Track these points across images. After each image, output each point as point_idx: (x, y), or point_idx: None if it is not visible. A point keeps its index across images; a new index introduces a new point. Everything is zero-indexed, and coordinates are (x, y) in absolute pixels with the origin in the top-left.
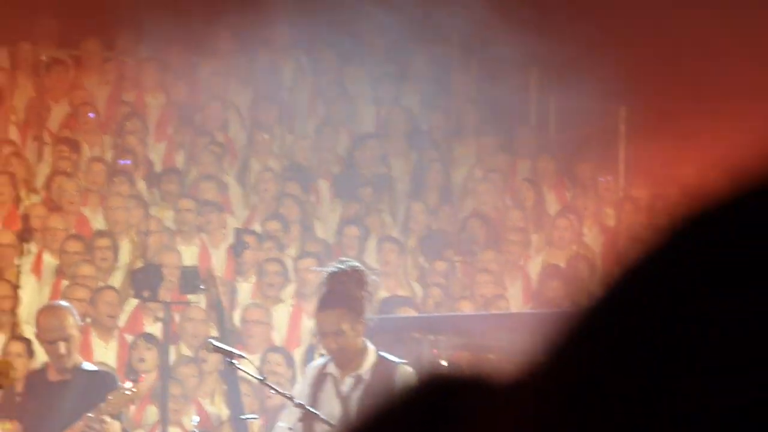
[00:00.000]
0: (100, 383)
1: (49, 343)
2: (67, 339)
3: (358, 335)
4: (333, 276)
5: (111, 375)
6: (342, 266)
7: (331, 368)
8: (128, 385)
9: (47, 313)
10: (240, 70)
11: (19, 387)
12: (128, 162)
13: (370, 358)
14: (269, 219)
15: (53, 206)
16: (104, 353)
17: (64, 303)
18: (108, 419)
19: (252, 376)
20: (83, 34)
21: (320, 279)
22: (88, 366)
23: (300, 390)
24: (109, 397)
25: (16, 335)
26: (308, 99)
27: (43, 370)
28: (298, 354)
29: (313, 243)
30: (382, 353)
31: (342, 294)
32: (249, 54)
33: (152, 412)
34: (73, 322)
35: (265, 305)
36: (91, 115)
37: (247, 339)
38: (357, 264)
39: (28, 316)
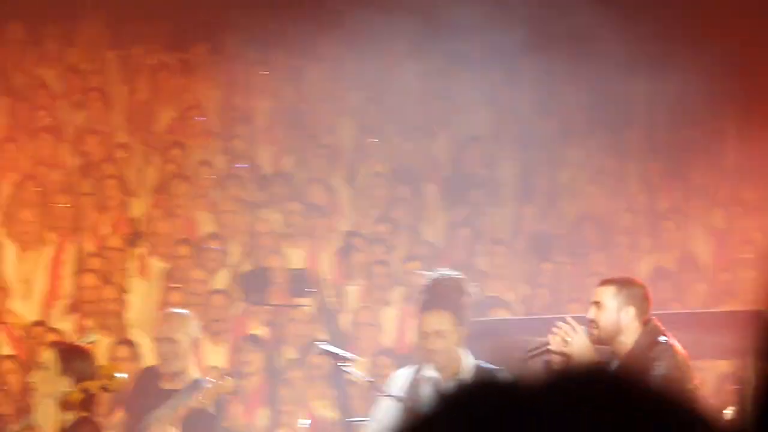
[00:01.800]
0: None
1: (161, 348)
2: (176, 344)
3: (458, 339)
4: (436, 281)
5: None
6: (444, 273)
7: (430, 372)
8: (212, 379)
9: (164, 319)
10: (348, 73)
11: (127, 388)
12: (245, 166)
13: (469, 364)
14: (378, 222)
15: (162, 210)
16: (214, 357)
17: (182, 311)
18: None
19: (361, 378)
20: (192, 39)
21: (424, 282)
22: (202, 382)
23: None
24: (200, 397)
25: (123, 339)
26: (416, 102)
27: (153, 371)
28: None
29: (421, 246)
30: (479, 361)
31: (444, 298)
32: (357, 57)
33: (263, 415)
34: (187, 330)
35: (374, 308)
36: (199, 118)
37: (356, 341)
38: (458, 273)
39: (135, 320)
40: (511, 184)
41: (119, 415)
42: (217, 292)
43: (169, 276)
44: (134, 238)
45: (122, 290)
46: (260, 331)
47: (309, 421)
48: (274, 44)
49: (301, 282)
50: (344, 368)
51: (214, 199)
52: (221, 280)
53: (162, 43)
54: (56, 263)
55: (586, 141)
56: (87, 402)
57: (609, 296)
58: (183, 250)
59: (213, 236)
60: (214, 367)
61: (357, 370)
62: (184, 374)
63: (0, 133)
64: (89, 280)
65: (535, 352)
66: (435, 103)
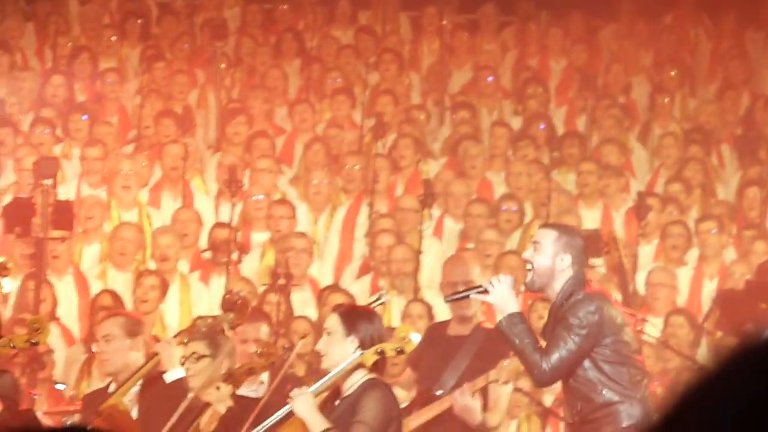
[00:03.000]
0: (497, 342)
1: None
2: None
3: None
4: None
5: None
6: None
7: None
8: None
9: (453, 260)
10: (641, 32)
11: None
12: (543, 127)
13: None
14: (671, 182)
15: (455, 171)
16: None
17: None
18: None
19: (654, 338)
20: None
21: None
22: (488, 325)
23: None
24: (504, 363)
25: (417, 299)
26: (709, 61)
27: (444, 323)
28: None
29: (715, 206)
30: None
31: None
32: (650, 16)
33: None
34: (476, 273)
35: (668, 268)
36: (490, 79)
37: (652, 302)
38: None
39: (429, 280)
40: None
41: (408, 373)
42: (512, 252)
43: (462, 236)
44: (428, 198)
45: (416, 251)
46: None
47: None
48: (567, 4)
49: (595, 242)
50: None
51: (507, 159)
52: (515, 240)
53: (454, 3)
54: (349, 224)
55: None
56: (379, 363)
57: (548, 240)
58: (477, 210)
59: (507, 197)
60: None
61: (650, 329)
62: (473, 320)
63: (293, 95)
64: (383, 240)
65: (456, 296)
66: (730, 63)
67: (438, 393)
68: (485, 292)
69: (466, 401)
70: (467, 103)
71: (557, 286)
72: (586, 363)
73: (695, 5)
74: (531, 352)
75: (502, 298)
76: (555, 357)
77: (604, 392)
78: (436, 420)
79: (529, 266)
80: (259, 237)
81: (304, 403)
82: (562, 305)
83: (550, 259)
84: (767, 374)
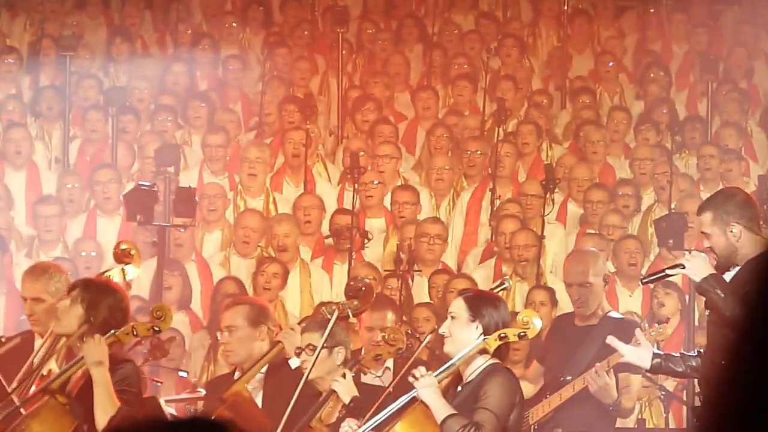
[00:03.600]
0: (625, 331)
1: (572, 288)
2: (587, 285)
3: None
4: None
5: (634, 323)
6: None
7: None
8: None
9: (572, 258)
10: (764, 17)
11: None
12: (665, 111)
13: None
14: None
15: (578, 156)
16: (629, 301)
17: (591, 249)
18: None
19: None
20: None
21: None
22: (614, 314)
23: None
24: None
25: (540, 284)
26: None
27: (571, 314)
28: None
29: None
30: None
31: None
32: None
33: None
34: (596, 270)
35: None
36: (610, 64)
37: None
38: None
39: (552, 265)
40: None
41: (535, 366)
42: (631, 236)
43: (584, 221)
44: (551, 183)
45: (539, 236)
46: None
47: None
48: None
49: None
50: None
51: (629, 143)
52: (636, 224)
53: None
54: (473, 209)
55: None
56: (502, 349)
57: (708, 224)
58: (599, 195)
59: (623, 182)
60: (629, 312)
61: None
62: (598, 311)
63: (415, 80)
64: (507, 225)
65: (653, 278)
66: None
67: (567, 378)
68: (681, 266)
69: (601, 379)
70: (588, 88)
71: (746, 251)
72: None
73: None
74: (735, 302)
75: (699, 267)
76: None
77: None
78: (566, 405)
79: (714, 257)
80: (379, 223)
81: (428, 387)
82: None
83: (723, 236)
84: None
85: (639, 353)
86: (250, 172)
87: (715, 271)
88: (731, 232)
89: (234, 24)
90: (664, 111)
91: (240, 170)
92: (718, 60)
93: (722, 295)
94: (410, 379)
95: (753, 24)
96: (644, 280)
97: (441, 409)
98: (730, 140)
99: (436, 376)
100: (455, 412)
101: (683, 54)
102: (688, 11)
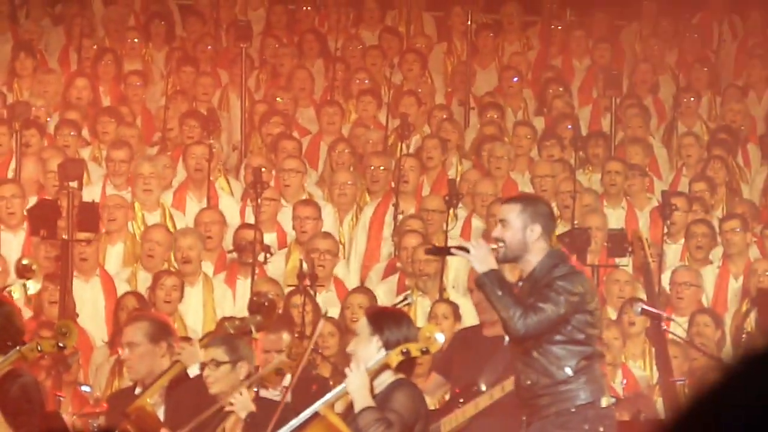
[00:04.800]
0: None
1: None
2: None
3: None
4: None
5: None
6: None
7: None
8: None
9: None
10: (665, 31)
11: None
12: (569, 127)
13: None
14: (695, 181)
15: (481, 171)
16: None
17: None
18: None
19: (680, 338)
20: None
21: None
22: None
23: None
24: None
25: (442, 299)
26: (735, 60)
27: (477, 326)
28: (728, 316)
29: (738, 204)
30: None
31: None
32: (674, 15)
33: None
34: None
35: (693, 267)
36: (515, 79)
37: (677, 301)
38: None
39: (454, 279)
40: None
41: (434, 378)
42: None
43: (486, 236)
44: (453, 199)
45: None
46: None
47: (624, 381)
48: (590, 4)
49: (620, 242)
50: (663, 328)
51: (533, 159)
52: None
53: (478, 3)
54: (376, 225)
55: None
56: (406, 364)
57: (514, 214)
58: (497, 210)
59: None
60: None
61: (676, 329)
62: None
63: (318, 96)
64: (409, 240)
65: (437, 251)
66: (751, 61)
67: (482, 389)
68: (466, 251)
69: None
70: (494, 103)
71: (533, 257)
72: (557, 336)
73: (720, 4)
74: (513, 303)
75: (483, 257)
76: (541, 311)
77: (566, 369)
78: (481, 415)
79: (501, 244)
80: (270, 238)
81: (357, 378)
82: (546, 275)
83: (521, 231)
84: None
85: (488, 258)
86: (145, 187)
87: (497, 267)
88: (531, 230)
89: (136, 39)
90: (569, 126)
91: (135, 185)
92: (621, 75)
93: (499, 294)
94: (346, 370)
95: (653, 38)
96: (428, 252)
97: (362, 399)
98: (636, 157)
99: (367, 369)
100: (374, 405)
101: (585, 69)
102: (589, 27)
